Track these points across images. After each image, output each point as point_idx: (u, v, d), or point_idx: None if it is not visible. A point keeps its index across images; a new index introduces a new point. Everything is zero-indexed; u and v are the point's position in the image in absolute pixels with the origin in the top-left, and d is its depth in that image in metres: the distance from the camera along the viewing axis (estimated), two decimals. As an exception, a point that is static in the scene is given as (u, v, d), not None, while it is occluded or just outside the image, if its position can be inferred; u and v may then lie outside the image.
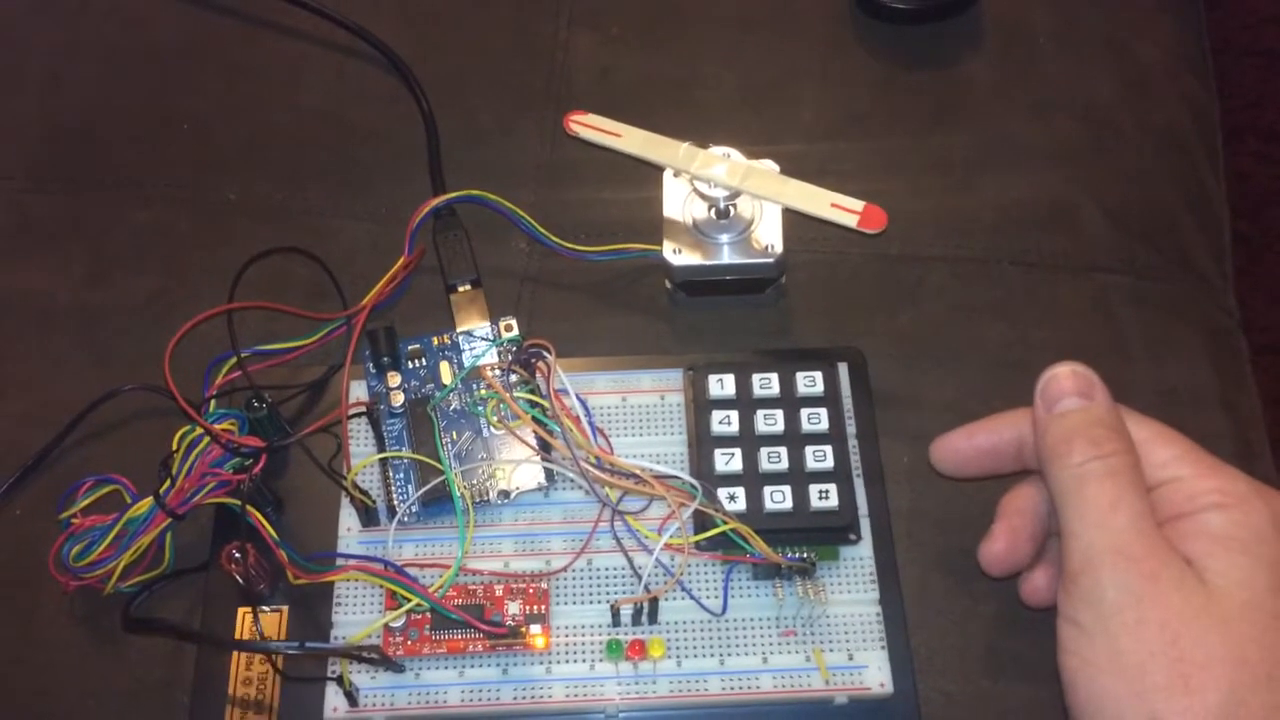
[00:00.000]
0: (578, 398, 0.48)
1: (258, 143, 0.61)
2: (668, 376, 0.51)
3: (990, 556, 0.45)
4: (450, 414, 0.50)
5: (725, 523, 0.46)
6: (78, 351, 0.55)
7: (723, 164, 0.51)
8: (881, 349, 0.53)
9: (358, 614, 0.47)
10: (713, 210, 0.53)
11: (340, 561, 0.47)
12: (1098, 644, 0.39)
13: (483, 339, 0.52)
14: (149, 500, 0.47)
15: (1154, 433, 0.43)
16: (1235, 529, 0.39)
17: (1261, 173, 1.17)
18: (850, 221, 0.50)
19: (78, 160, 0.60)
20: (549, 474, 0.49)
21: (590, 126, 0.53)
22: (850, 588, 0.47)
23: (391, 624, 0.46)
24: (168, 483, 0.47)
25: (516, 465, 0.49)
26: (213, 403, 0.49)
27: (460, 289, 0.53)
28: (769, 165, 0.52)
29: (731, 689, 0.45)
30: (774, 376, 0.50)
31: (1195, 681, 0.37)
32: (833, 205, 0.50)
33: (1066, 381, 0.43)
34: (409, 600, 0.45)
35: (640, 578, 0.46)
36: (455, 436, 0.49)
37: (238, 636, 0.46)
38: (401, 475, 0.49)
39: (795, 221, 0.53)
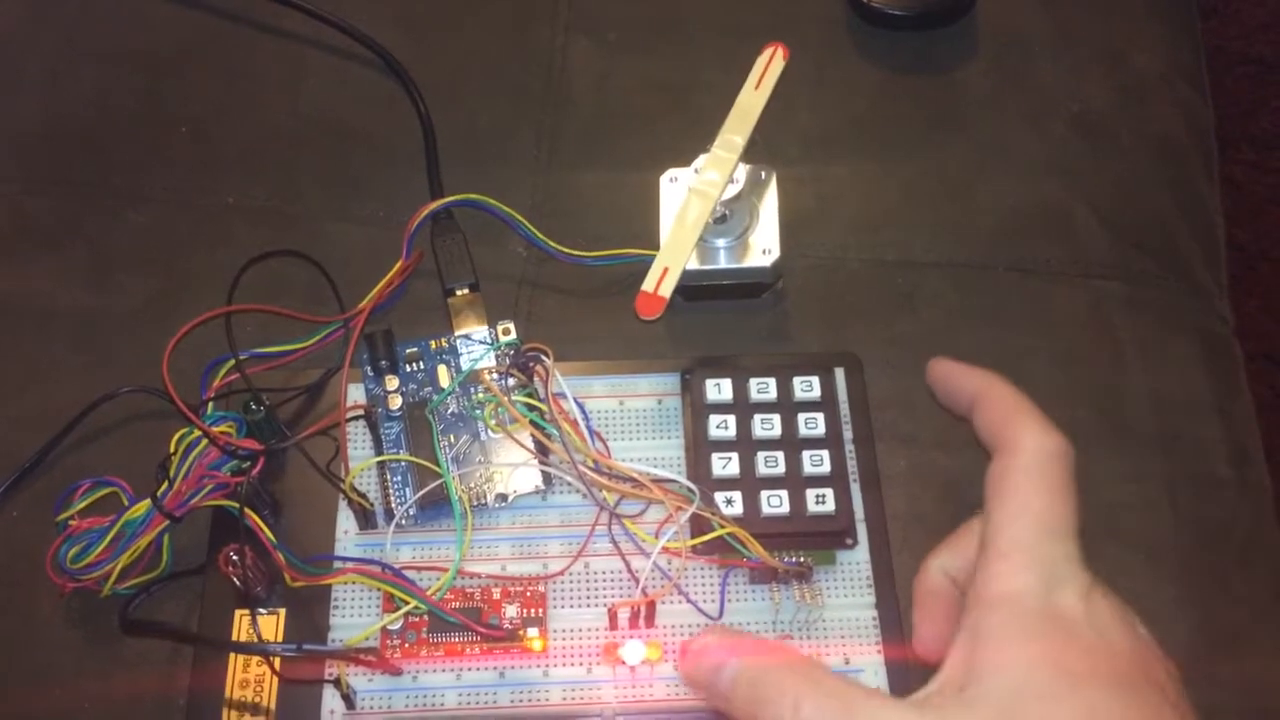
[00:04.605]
0: (575, 401, 0.48)
1: (256, 146, 0.61)
2: (665, 381, 0.51)
3: (923, 649, 0.41)
4: (448, 417, 0.50)
5: (722, 526, 0.46)
6: (75, 353, 0.55)
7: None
8: (878, 354, 0.53)
9: (355, 617, 0.47)
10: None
11: (338, 564, 0.47)
12: None
13: (480, 342, 0.52)
14: (146, 502, 0.47)
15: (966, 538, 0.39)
16: (994, 630, 0.34)
17: (1255, 180, 1.18)
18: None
19: (76, 163, 0.60)
20: (546, 477, 0.49)
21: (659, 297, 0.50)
22: (847, 592, 0.47)
23: (389, 626, 0.46)
24: (165, 485, 0.47)
25: (514, 468, 0.49)
26: (210, 405, 0.49)
27: (458, 293, 0.53)
28: (766, 171, 0.53)
29: (728, 692, 0.45)
30: (771, 381, 0.50)
31: None
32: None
33: (715, 652, 0.37)
34: (407, 603, 0.45)
35: (638, 581, 0.46)
36: (453, 440, 0.49)
37: (235, 639, 0.46)
38: (399, 478, 0.49)
39: (792, 227, 0.53)
